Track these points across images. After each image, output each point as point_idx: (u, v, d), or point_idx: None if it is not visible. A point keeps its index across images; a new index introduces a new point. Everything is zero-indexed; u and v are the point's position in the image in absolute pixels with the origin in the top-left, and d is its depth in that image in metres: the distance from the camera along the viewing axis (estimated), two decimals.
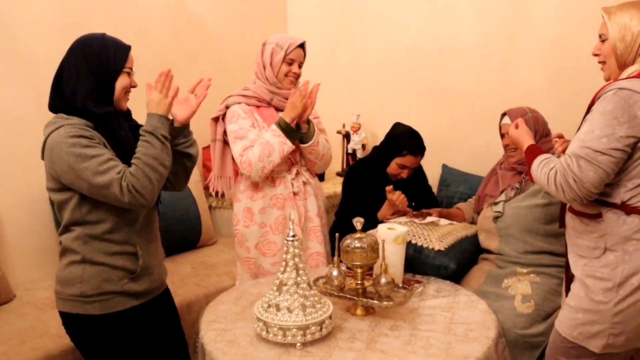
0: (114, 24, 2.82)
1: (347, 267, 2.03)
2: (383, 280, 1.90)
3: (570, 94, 2.81)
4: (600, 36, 1.75)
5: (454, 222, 2.59)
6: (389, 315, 1.92)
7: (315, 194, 2.41)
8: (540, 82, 2.90)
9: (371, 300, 1.89)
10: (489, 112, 3.07)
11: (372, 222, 2.55)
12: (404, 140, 2.60)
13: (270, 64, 2.29)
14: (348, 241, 1.94)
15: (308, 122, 2.30)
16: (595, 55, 1.78)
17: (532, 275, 2.31)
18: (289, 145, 2.22)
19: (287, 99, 2.29)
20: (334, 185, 3.31)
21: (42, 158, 1.63)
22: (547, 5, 2.81)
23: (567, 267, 1.95)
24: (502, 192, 2.52)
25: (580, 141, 1.63)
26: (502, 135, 2.57)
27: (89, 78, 1.60)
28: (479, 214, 2.67)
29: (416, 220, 2.50)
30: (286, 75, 2.30)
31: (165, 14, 3.06)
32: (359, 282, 1.95)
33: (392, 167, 2.63)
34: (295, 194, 2.33)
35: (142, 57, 2.87)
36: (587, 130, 1.62)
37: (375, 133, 3.57)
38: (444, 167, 3.20)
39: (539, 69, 2.89)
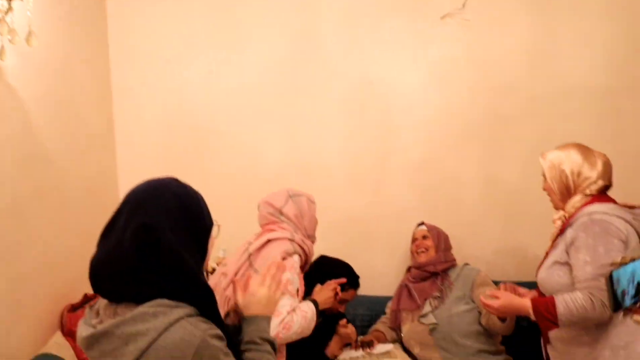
0: None
1: None
2: None
3: (436, 209, 3.34)
4: (543, 175, 2.26)
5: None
6: None
7: None
8: (409, 200, 3.37)
9: None
10: (363, 232, 3.39)
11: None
12: (344, 275, 2.69)
13: (310, 215, 2.36)
14: None
15: None
16: (544, 190, 2.28)
17: None
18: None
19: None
20: None
21: None
22: (411, 131, 3.36)
23: None
24: (424, 302, 2.81)
25: (591, 264, 1.99)
26: (416, 239, 3.01)
27: (194, 241, 1.33)
28: (395, 329, 2.93)
29: (370, 350, 2.59)
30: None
31: (11, 143, 2.60)
32: None
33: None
34: None
35: None
36: (591, 253, 2.00)
37: None
38: None
39: (408, 188, 3.37)
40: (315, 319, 2.20)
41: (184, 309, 1.22)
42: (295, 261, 2.19)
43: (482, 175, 3.33)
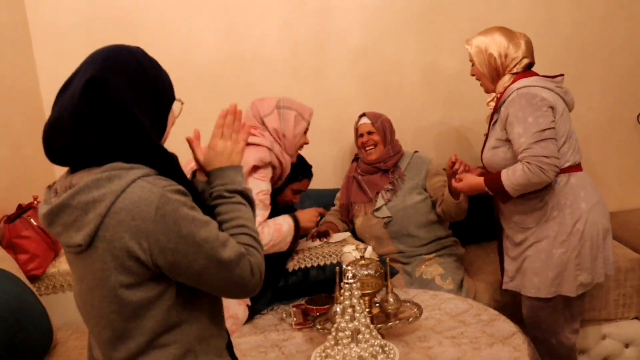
0: None
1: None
2: (391, 299, 2.09)
3: (377, 96, 3.38)
4: (471, 61, 2.43)
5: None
6: (404, 333, 2.11)
7: None
8: (350, 88, 3.38)
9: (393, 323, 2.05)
10: None
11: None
12: (297, 164, 2.69)
13: (294, 134, 2.31)
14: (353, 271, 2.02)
15: None
16: (473, 75, 2.46)
17: (435, 258, 2.81)
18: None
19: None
20: None
21: (88, 243, 1.18)
22: (350, 17, 3.30)
23: (499, 248, 2.49)
24: (376, 196, 2.89)
25: (524, 135, 2.20)
26: (361, 135, 2.98)
27: (151, 106, 1.29)
28: (347, 222, 3.02)
29: (327, 240, 2.67)
30: (301, 146, 2.38)
31: None
32: (369, 310, 2.05)
33: (287, 195, 2.69)
34: None
35: None
36: (522, 125, 2.21)
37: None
38: None
39: (348, 76, 3.37)
40: (292, 233, 2.24)
41: (140, 170, 1.21)
42: (268, 171, 2.17)
43: (421, 61, 3.37)
